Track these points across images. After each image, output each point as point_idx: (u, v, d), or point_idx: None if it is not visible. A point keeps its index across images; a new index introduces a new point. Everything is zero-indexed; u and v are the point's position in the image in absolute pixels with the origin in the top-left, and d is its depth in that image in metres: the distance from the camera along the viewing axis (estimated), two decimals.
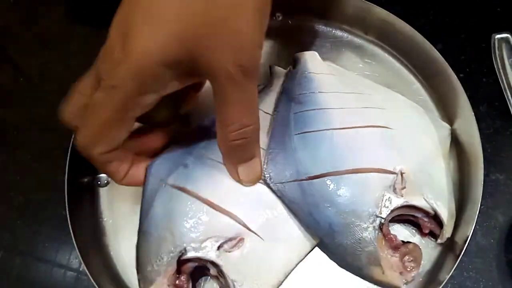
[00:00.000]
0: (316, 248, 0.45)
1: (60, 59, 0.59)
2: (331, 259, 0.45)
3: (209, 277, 0.44)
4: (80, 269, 0.49)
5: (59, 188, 0.46)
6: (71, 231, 0.43)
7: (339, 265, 0.44)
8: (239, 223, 0.42)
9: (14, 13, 0.62)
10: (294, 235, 0.43)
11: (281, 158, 0.45)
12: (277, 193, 0.44)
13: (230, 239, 0.41)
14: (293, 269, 0.44)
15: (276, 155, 0.45)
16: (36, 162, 0.53)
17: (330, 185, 0.43)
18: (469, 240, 0.41)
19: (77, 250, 0.43)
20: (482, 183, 0.43)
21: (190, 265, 0.41)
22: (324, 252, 0.45)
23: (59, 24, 0.61)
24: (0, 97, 0.58)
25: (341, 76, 0.50)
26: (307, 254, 0.44)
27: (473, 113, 0.45)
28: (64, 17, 0.62)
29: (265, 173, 0.44)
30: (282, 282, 0.43)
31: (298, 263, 0.44)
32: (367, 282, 0.44)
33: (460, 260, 0.42)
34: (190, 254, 0.40)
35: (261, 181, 0.44)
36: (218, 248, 0.41)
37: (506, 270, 0.46)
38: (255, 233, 0.42)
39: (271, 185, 0.44)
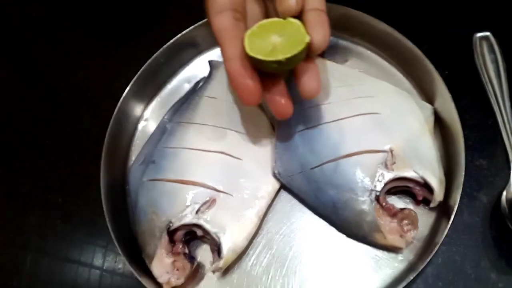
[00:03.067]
0: (327, 224, 0.50)
1: (85, 74, 0.64)
2: (339, 232, 0.49)
3: (199, 241, 0.50)
4: (104, 267, 0.53)
5: (89, 193, 0.52)
6: (111, 233, 0.47)
7: (347, 236, 0.49)
8: (208, 188, 0.48)
9: (36, 32, 0.68)
10: (259, 185, 0.50)
11: (286, 156, 0.50)
12: (286, 185, 0.50)
13: (205, 203, 0.48)
14: (265, 212, 0.49)
15: (282, 153, 0.50)
16: (70, 168, 0.58)
17: (329, 170, 0.48)
18: (457, 219, 0.44)
19: (117, 246, 0.46)
20: (464, 150, 0.46)
21: (180, 233, 0.48)
22: (334, 227, 0.50)
23: (80, 41, 0.66)
24: (34, 109, 0.63)
25: (331, 71, 0.54)
26: (274, 198, 0.51)
27: (449, 92, 0.48)
28: (85, 35, 0.67)
29: (275, 170, 0.50)
30: (258, 224, 0.49)
31: (268, 207, 0.50)
32: (372, 248, 0.48)
33: (449, 237, 0.45)
34: (176, 224, 0.47)
35: (221, 151, 0.50)
36: (197, 212, 0.47)
37: (490, 245, 0.49)
38: (224, 192, 0.48)
39: (281, 179, 0.50)
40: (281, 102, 0.42)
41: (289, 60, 0.39)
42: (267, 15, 0.45)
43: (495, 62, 0.56)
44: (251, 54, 0.38)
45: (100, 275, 0.52)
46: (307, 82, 0.41)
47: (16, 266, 0.54)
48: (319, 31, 0.40)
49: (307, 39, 0.39)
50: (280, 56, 0.38)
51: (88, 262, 0.53)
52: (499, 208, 0.49)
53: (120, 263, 0.53)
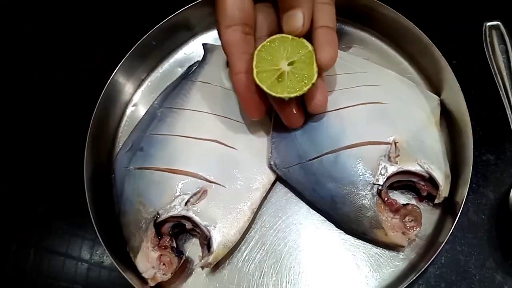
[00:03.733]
0: (325, 219, 0.48)
1: (71, 53, 0.62)
2: (338, 227, 0.48)
3: (188, 235, 0.49)
4: (91, 260, 0.51)
5: (72, 182, 0.49)
6: (93, 223, 0.45)
7: (345, 232, 0.47)
8: (199, 178, 0.47)
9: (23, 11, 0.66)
10: (253, 177, 0.48)
11: (283, 146, 0.48)
12: (283, 177, 0.48)
13: (195, 194, 0.46)
14: (259, 205, 0.48)
15: (278, 143, 0.48)
16: (52, 154, 0.56)
17: (328, 162, 0.46)
18: (462, 217, 0.43)
19: (101, 242, 0.45)
20: (472, 145, 0.44)
21: (167, 225, 0.46)
22: (332, 222, 0.48)
23: (68, 18, 0.64)
24: (14, 90, 0.61)
25: None
26: (269, 191, 0.49)
27: (458, 83, 0.47)
28: (73, 12, 0.64)
29: (270, 161, 0.48)
30: (251, 218, 0.47)
31: (263, 199, 0.48)
32: (372, 246, 0.47)
33: (453, 235, 0.44)
34: (164, 216, 0.45)
35: (214, 139, 0.48)
36: (186, 203, 0.46)
37: (496, 244, 0.48)
38: (216, 183, 0.47)
39: (277, 171, 0.48)
40: (293, 113, 0.43)
41: (291, 98, 0.41)
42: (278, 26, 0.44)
43: (505, 52, 0.54)
44: (257, 81, 0.40)
45: (88, 268, 0.51)
46: (315, 101, 0.43)
47: (1, 257, 0.52)
48: (327, 51, 0.40)
49: (314, 77, 0.40)
50: (285, 94, 0.40)
51: (75, 255, 0.51)
52: (507, 206, 0.48)
53: (109, 256, 0.50)
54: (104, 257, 0.51)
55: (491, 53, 0.54)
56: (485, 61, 0.54)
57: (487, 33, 0.55)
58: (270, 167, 0.48)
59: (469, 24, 0.56)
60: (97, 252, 0.51)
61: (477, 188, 0.49)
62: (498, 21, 0.55)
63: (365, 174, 0.45)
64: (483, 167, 0.50)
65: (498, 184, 0.50)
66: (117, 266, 0.43)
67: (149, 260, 0.44)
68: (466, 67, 0.53)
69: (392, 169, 0.45)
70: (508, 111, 0.51)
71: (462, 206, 0.43)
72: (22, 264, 0.51)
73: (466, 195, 0.43)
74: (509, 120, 0.51)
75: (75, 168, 0.48)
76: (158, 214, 0.45)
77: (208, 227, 0.45)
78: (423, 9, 0.58)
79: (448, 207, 0.46)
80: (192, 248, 0.48)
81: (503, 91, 0.52)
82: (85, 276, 0.50)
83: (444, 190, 0.44)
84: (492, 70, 0.53)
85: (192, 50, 0.58)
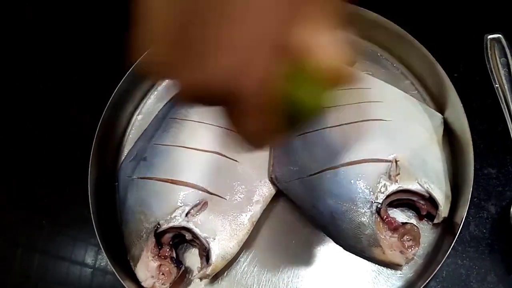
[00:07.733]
0: (324, 234, 0.48)
1: (79, 62, 0.62)
2: (336, 243, 0.47)
3: (188, 245, 0.49)
4: (96, 265, 0.51)
5: (79, 190, 0.50)
6: (95, 229, 0.46)
7: (344, 248, 0.47)
8: (200, 189, 0.47)
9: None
10: (254, 189, 0.48)
11: (285, 160, 0.48)
12: (283, 191, 0.48)
13: (196, 205, 0.46)
14: (259, 218, 0.48)
15: (280, 157, 0.48)
16: (59, 166, 0.56)
17: (328, 178, 0.46)
18: (463, 231, 0.43)
19: (102, 247, 0.45)
20: (473, 164, 0.44)
21: (168, 236, 0.47)
22: (330, 238, 0.48)
23: (76, 27, 0.64)
24: (20, 98, 0.61)
25: None
26: (269, 204, 0.48)
27: (461, 103, 0.46)
28: (81, 20, 0.65)
29: (271, 174, 0.48)
30: (251, 230, 0.47)
31: (263, 212, 0.48)
32: (370, 263, 0.46)
33: (454, 249, 0.43)
34: (164, 226, 0.46)
35: (216, 151, 0.48)
36: (187, 215, 0.46)
37: (498, 258, 0.47)
38: (216, 195, 0.47)
39: (277, 184, 0.48)
40: None
41: None
42: None
43: (506, 65, 0.54)
44: None
45: (92, 274, 0.51)
46: None
47: (6, 262, 0.52)
48: None
49: None
50: None
51: (79, 261, 0.52)
52: (508, 220, 0.47)
53: None
54: (109, 263, 0.50)
55: (492, 66, 0.54)
56: (486, 73, 0.54)
57: (489, 45, 0.55)
58: (271, 180, 0.48)
59: (471, 37, 0.56)
60: (102, 258, 0.51)
61: (479, 202, 0.49)
62: (499, 33, 0.55)
63: (365, 192, 0.45)
64: (484, 181, 0.50)
65: (499, 198, 0.50)
66: (117, 274, 0.44)
67: (148, 269, 0.45)
68: (467, 79, 0.54)
69: (392, 188, 0.45)
70: (509, 124, 0.51)
71: (461, 226, 0.43)
72: (27, 270, 0.52)
73: (465, 215, 0.43)
74: (511, 133, 0.51)
75: (81, 174, 0.49)
76: (158, 224, 0.46)
77: (207, 239, 0.45)
78: (424, 21, 0.58)
79: (447, 227, 0.46)
80: (192, 258, 0.48)
81: (504, 104, 0.52)
82: (89, 282, 0.51)
83: (443, 210, 0.44)
84: (494, 83, 0.53)
85: None
